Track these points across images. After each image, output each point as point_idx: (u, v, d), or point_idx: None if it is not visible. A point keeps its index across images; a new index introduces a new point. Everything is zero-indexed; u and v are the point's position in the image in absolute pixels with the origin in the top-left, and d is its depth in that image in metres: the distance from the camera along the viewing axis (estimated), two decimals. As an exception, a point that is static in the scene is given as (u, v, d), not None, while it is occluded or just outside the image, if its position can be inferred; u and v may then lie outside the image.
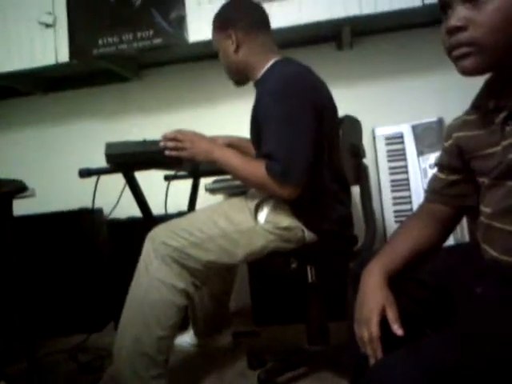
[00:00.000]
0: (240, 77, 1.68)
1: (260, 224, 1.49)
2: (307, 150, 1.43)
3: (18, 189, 1.45)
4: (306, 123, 1.43)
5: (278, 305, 2.30)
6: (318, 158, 1.48)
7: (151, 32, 2.45)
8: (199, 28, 2.39)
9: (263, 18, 1.64)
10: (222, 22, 1.63)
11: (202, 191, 2.25)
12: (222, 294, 1.92)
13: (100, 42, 2.49)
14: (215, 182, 2.33)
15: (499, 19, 0.76)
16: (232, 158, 1.50)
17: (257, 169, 1.44)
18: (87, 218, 2.49)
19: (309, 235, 1.51)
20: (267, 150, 1.43)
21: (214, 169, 1.87)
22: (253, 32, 1.59)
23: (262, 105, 1.50)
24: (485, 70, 0.83)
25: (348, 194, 1.65)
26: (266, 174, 1.41)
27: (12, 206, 1.48)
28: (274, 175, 1.40)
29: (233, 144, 1.78)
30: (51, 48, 2.52)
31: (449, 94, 2.50)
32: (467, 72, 0.83)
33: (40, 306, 2.40)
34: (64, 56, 2.51)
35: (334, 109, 1.61)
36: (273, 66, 1.57)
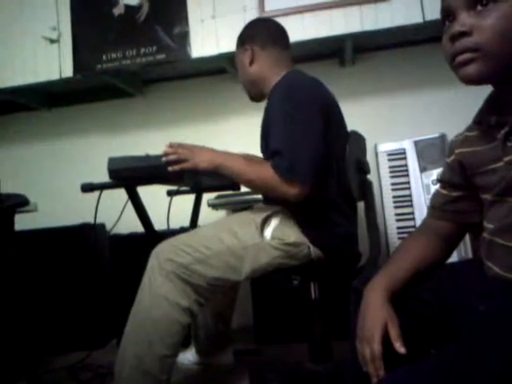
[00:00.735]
0: (255, 91, 1.71)
1: (266, 240, 1.48)
2: (314, 148, 1.42)
3: (21, 203, 1.45)
4: (314, 123, 1.44)
5: (280, 323, 2.28)
6: (325, 167, 1.47)
7: (154, 48, 2.47)
8: (202, 44, 2.42)
9: (281, 35, 1.72)
10: (242, 37, 1.72)
11: (204, 206, 2.24)
12: (224, 311, 1.91)
13: (104, 57, 2.51)
14: (218, 197, 2.33)
15: (504, 25, 0.76)
16: (236, 161, 1.50)
17: (262, 169, 1.43)
18: (89, 234, 2.48)
19: (315, 252, 1.49)
20: (274, 147, 1.42)
21: (217, 184, 1.87)
22: (268, 46, 1.66)
23: (271, 108, 1.52)
24: (488, 78, 0.82)
25: (354, 210, 1.65)
26: (273, 174, 1.39)
27: (14, 220, 1.48)
28: (280, 170, 1.38)
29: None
30: (55, 63, 2.55)
31: (451, 110, 2.51)
32: (470, 79, 0.81)
33: (41, 322, 2.39)
34: (68, 71, 2.54)
35: (342, 121, 1.62)
36: (283, 76, 1.59)
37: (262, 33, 1.68)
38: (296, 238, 1.48)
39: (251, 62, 1.66)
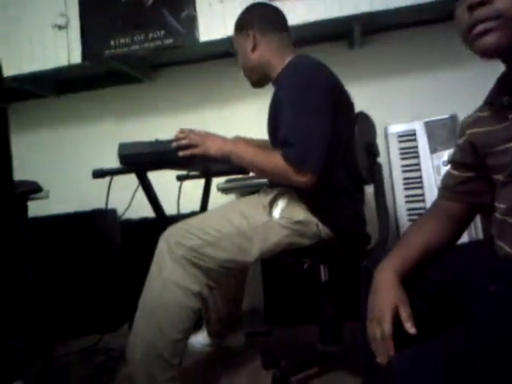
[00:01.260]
0: (256, 76, 1.70)
1: (275, 219, 1.49)
2: (324, 136, 1.42)
3: (33, 189, 1.47)
4: (322, 109, 1.43)
5: (290, 304, 2.30)
6: (333, 153, 1.47)
7: (162, 32, 2.46)
8: (210, 28, 2.40)
9: (281, 20, 1.69)
10: (241, 23, 1.69)
11: (214, 191, 2.25)
12: (235, 293, 1.93)
13: (112, 43, 2.51)
14: (227, 181, 2.33)
15: None
16: (246, 150, 1.51)
17: (272, 158, 1.43)
18: (100, 219, 2.50)
19: (324, 230, 1.49)
20: (283, 135, 1.43)
21: (227, 168, 1.88)
22: (270, 32, 1.64)
23: (279, 95, 1.52)
24: (505, 50, 0.80)
25: (362, 192, 1.65)
26: (283, 163, 1.40)
27: (27, 206, 1.50)
28: (290, 160, 1.39)
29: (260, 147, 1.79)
30: (64, 50, 2.55)
31: (462, 91, 2.48)
32: (488, 49, 0.79)
33: (54, 307, 2.42)
34: (76, 58, 2.54)
35: (350, 104, 1.62)
36: (289, 62, 1.58)
37: (261, 18, 1.66)
38: (304, 216, 1.49)
39: (253, 49, 1.64)
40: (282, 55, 1.62)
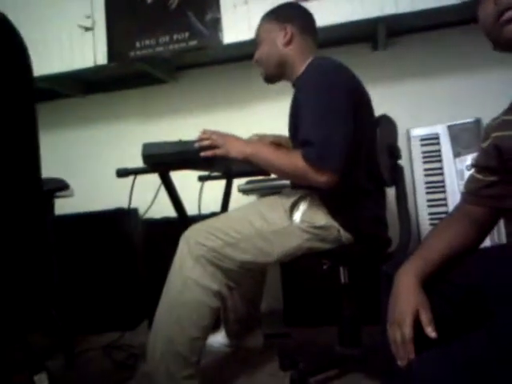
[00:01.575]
0: (274, 71, 1.68)
1: (295, 223, 1.49)
2: (344, 136, 1.41)
3: (60, 187, 1.50)
4: (343, 110, 1.43)
5: (310, 306, 2.29)
6: (354, 154, 1.47)
7: (187, 34, 2.48)
8: (234, 30, 2.41)
9: (314, 24, 1.70)
10: (280, 14, 1.67)
11: (235, 192, 2.26)
12: (253, 294, 1.93)
13: (137, 44, 2.54)
14: (248, 182, 2.34)
15: None
16: (266, 152, 1.51)
17: (292, 158, 1.44)
18: (123, 218, 2.54)
19: (344, 235, 1.49)
20: (303, 135, 1.43)
21: (248, 170, 1.89)
22: (305, 32, 1.64)
23: (300, 95, 1.51)
24: None
25: (383, 195, 1.64)
26: (303, 163, 1.40)
27: (54, 203, 1.53)
28: (310, 159, 1.39)
29: (281, 143, 1.82)
30: (90, 51, 2.59)
31: (486, 94, 2.45)
32: None
33: (76, 303, 2.47)
34: (102, 59, 2.58)
35: (370, 106, 1.61)
36: (309, 64, 1.58)
37: (301, 17, 1.67)
38: (325, 221, 1.48)
39: (288, 43, 1.62)
40: (306, 57, 1.62)
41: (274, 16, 1.67)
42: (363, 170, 1.52)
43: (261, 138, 1.83)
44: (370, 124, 1.57)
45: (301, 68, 1.61)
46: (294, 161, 1.43)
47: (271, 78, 1.73)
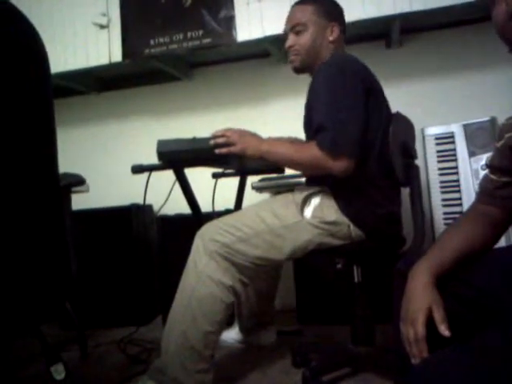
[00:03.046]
0: (310, 63, 1.64)
1: (306, 218, 1.50)
2: (357, 121, 1.43)
3: (76, 182, 1.52)
4: (356, 96, 1.45)
5: (323, 304, 2.30)
6: (368, 144, 1.48)
7: (201, 32, 2.49)
8: (248, 27, 2.42)
9: (345, 25, 1.71)
10: (330, 10, 1.66)
11: (248, 189, 2.27)
12: (267, 291, 1.94)
13: (151, 42, 2.56)
14: (262, 180, 2.35)
15: None
16: (280, 146, 1.54)
17: (307, 149, 1.46)
18: (138, 214, 2.56)
19: (355, 231, 1.49)
20: (317, 121, 1.45)
21: (261, 167, 1.89)
22: (343, 34, 1.67)
23: (314, 84, 1.53)
24: None
25: (398, 192, 1.64)
26: (318, 151, 1.41)
27: (71, 198, 1.55)
28: (325, 145, 1.40)
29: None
30: (105, 48, 2.61)
31: (502, 93, 2.43)
32: None
33: (91, 297, 2.49)
34: (117, 56, 2.60)
35: (383, 96, 1.61)
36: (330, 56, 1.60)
37: (342, 18, 1.68)
38: (336, 217, 1.49)
39: (333, 42, 1.62)
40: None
41: (325, 7, 1.64)
42: (376, 164, 1.52)
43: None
44: (384, 119, 1.56)
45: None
46: (309, 151, 1.44)
47: (303, 69, 1.69)
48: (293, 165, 1.56)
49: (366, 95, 1.47)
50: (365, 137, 1.46)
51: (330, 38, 1.62)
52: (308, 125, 1.58)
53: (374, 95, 1.52)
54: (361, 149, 1.44)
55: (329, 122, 1.41)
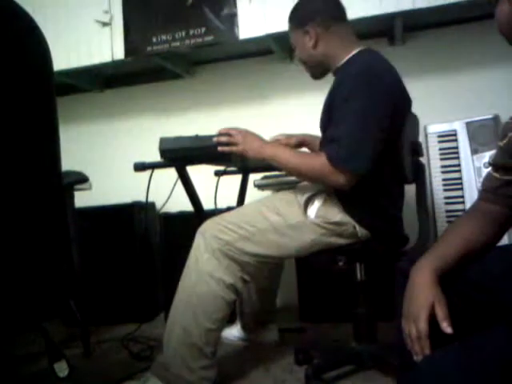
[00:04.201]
0: (320, 70, 1.65)
1: (310, 218, 1.49)
2: (376, 142, 1.39)
3: (79, 180, 1.53)
4: (381, 116, 1.40)
5: (325, 302, 2.30)
6: (383, 155, 1.45)
7: (203, 29, 2.49)
8: (250, 25, 2.42)
9: (340, 10, 1.61)
10: (299, 18, 1.61)
11: (250, 187, 2.27)
12: (269, 289, 1.95)
13: (154, 39, 2.56)
14: (264, 177, 2.35)
15: None
16: (284, 153, 1.51)
17: (313, 159, 1.45)
18: (140, 211, 2.56)
19: (361, 230, 1.49)
20: (334, 134, 1.41)
21: (264, 165, 1.89)
22: (331, 25, 1.56)
23: (339, 92, 1.47)
24: None
25: (402, 191, 1.63)
26: (324, 162, 1.38)
27: (74, 195, 1.56)
28: (335, 160, 1.37)
29: (306, 141, 1.81)
30: (107, 46, 2.61)
31: (505, 91, 2.42)
32: None
33: (94, 295, 2.49)
34: (120, 54, 2.60)
35: (405, 107, 1.56)
36: (357, 54, 1.54)
37: (322, 11, 1.58)
38: (340, 217, 1.48)
39: (315, 45, 1.57)
40: (346, 46, 1.56)
41: (295, 20, 1.62)
42: (388, 167, 1.50)
43: (287, 138, 1.80)
44: (402, 124, 1.52)
45: (342, 58, 1.56)
46: (312, 162, 1.43)
47: (317, 76, 1.69)
48: (295, 173, 1.54)
49: (392, 112, 1.43)
50: (380, 152, 1.42)
51: (310, 44, 1.57)
52: (325, 128, 1.55)
53: (400, 111, 1.48)
54: (373, 165, 1.40)
55: (344, 137, 1.38)
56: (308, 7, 1.61)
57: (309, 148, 1.81)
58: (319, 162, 1.40)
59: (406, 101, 1.56)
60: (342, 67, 1.56)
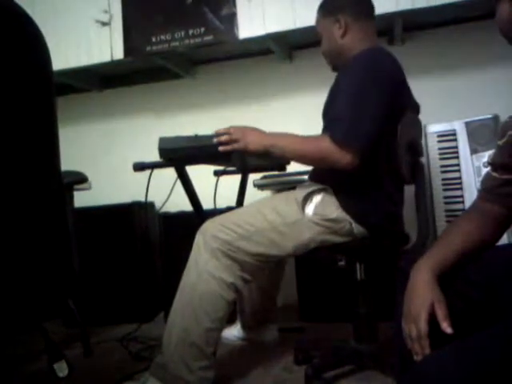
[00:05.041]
0: (340, 61, 1.67)
1: (308, 216, 1.50)
2: (375, 122, 1.42)
3: (79, 180, 1.53)
4: (380, 97, 1.43)
5: (325, 302, 2.30)
6: (376, 147, 1.46)
7: (202, 29, 2.49)
8: (249, 25, 2.42)
9: (369, 7, 1.68)
10: (331, 6, 1.66)
11: (250, 187, 2.27)
12: (270, 288, 1.95)
13: (153, 39, 2.56)
14: (263, 177, 2.35)
15: None
16: (284, 139, 1.52)
17: (314, 141, 1.46)
18: (139, 212, 2.56)
19: (357, 228, 1.50)
20: (335, 112, 1.45)
21: (263, 165, 1.89)
22: (360, 19, 1.63)
23: (342, 78, 1.53)
24: None
25: (401, 190, 1.63)
26: (328, 142, 1.40)
27: (73, 195, 1.56)
28: (337, 138, 1.40)
29: None
30: (107, 46, 2.61)
31: (504, 90, 2.42)
32: None
33: (94, 295, 2.50)
34: (119, 53, 2.60)
35: (404, 98, 1.58)
36: (361, 51, 1.56)
37: (354, 3, 1.64)
38: (337, 214, 1.49)
39: (344, 34, 1.62)
40: (367, 42, 1.60)
41: (326, 9, 1.67)
42: (381, 162, 1.52)
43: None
44: (399, 119, 1.53)
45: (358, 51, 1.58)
46: (317, 143, 1.45)
47: (337, 69, 1.72)
48: (298, 156, 1.53)
49: (391, 95, 1.46)
50: (377, 137, 1.45)
51: (339, 33, 1.62)
52: (326, 112, 1.59)
53: (399, 95, 1.50)
54: (371, 147, 1.43)
55: (346, 115, 1.41)
56: (339, 1, 1.66)
57: None
58: (323, 143, 1.42)
59: (406, 91, 1.58)
60: (345, 63, 1.59)
